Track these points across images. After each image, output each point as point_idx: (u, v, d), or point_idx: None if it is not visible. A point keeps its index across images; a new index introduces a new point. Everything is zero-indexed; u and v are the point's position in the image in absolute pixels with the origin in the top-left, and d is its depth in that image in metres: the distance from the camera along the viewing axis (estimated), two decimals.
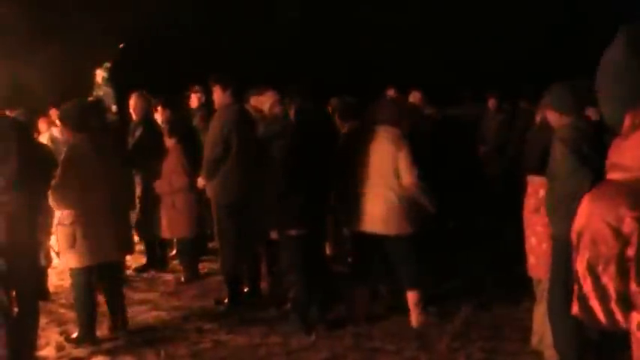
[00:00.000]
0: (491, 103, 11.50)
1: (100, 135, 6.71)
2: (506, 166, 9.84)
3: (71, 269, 6.63)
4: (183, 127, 8.87)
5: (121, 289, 7.11)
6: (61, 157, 6.57)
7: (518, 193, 5.86)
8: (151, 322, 7.29)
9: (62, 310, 7.64)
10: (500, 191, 9.91)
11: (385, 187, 6.50)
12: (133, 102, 9.00)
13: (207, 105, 9.25)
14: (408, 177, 6.44)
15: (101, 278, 6.77)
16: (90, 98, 8.89)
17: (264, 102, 7.78)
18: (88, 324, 6.65)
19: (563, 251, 4.59)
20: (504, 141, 10.48)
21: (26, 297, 5.93)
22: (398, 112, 6.77)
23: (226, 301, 7.60)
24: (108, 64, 11.96)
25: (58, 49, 11.87)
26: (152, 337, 6.82)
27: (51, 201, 6.30)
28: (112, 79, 11.80)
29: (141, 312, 7.57)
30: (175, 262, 9.27)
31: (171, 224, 8.49)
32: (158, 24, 13.93)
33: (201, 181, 7.93)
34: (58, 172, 6.33)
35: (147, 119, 9.02)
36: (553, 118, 5.23)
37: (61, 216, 6.46)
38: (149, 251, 9.20)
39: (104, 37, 12.94)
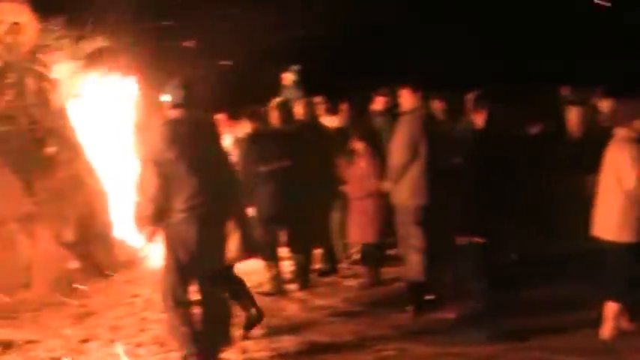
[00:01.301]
0: None
1: None
2: None
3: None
4: (371, 130, 8.78)
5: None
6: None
7: None
8: (333, 328, 7.19)
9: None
10: None
11: (611, 191, 6.25)
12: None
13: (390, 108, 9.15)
14: (628, 181, 6.13)
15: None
16: (278, 100, 8.95)
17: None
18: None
19: None
20: None
21: (214, 293, 5.95)
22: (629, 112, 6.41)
23: (410, 308, 7.41)
24: (296, 67, 12.02)
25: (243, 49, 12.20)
26: (340, 343, 6.73)
27: None
28: (299, 82, 11.87)
29: (322, 318, 7.51)
30: (356, 267, 9.17)
31: (361, 229, 8.40)
32: (342, 25, 13.95)
33: (386, 186, 7.76)
34: None
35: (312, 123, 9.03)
36: None
37: None
38: (331, 256, 9.13)
39: (289, 41, 13.17)
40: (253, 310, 6.93)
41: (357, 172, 8.35)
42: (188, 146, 5.77)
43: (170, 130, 5.84)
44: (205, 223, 5.79)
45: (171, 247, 5.86)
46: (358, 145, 8.40)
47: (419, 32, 15.63)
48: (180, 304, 5.86)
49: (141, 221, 5.99)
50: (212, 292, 5.97)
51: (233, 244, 6.19)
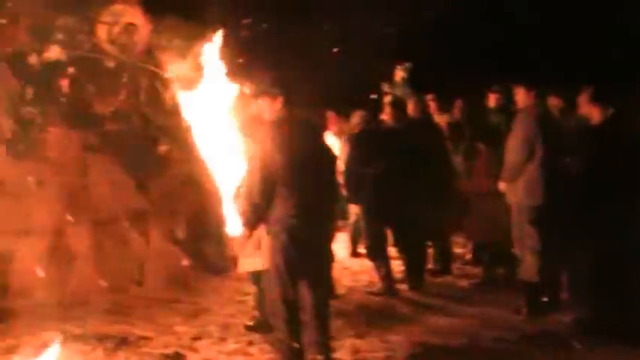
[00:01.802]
0: None
1: None
2: None
3: None
4: (487, 128, 8.61)
5: None
6: None
7: None
8: (444, 329, 7.04)
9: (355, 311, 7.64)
10: None
11: None
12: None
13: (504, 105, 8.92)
14: None
15: None
16: (391, 97, 8.89)
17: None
18: None
19: None
20: None
21: (320, 291, 5.88)
22: None
23: (524, 309, 7.20)
24: (408, 64, 11.84)
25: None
26: (452, 345, 6.60)
27: None
28: (410, 79, 11.71)
29: (433, 318, 7.39)
30: (468, 267, 8.96)
31: (475, 227, 8.30)
32: (454, 22, 13.76)
33: (502, 185, 7.52)
34: None
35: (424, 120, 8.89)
36: None
37: None
38: (443, 256, 8.96)
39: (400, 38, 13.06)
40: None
41: (473, 170, 8.23)
42: (290, 148, 5.70)
43: (274, 132, 5.78)
44: (306, 229, 5.71)
45: (274, 252, 5.80)
46: (475, 143, 8.27)
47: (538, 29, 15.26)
48: (285, 306, 5.80)
49: (243, 225, 5.95)
50: (316, 295, 5.87)
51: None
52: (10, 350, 6.51)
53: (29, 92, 8.74)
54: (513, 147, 7.19)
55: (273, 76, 6.54)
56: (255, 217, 5.79)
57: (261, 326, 6.83)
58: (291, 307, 5.81)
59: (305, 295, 5.81)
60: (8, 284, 7.87)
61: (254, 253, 6.19)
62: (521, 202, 7.18)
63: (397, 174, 7.92)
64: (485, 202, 8.06)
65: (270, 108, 6.00)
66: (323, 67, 12.51)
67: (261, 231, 5.93)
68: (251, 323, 7.05)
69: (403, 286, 8.31)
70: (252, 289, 7.18)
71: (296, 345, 5.77)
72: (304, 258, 5.74)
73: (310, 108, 8.60)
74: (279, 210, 5.71)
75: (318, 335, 5.80)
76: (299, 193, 5.68)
